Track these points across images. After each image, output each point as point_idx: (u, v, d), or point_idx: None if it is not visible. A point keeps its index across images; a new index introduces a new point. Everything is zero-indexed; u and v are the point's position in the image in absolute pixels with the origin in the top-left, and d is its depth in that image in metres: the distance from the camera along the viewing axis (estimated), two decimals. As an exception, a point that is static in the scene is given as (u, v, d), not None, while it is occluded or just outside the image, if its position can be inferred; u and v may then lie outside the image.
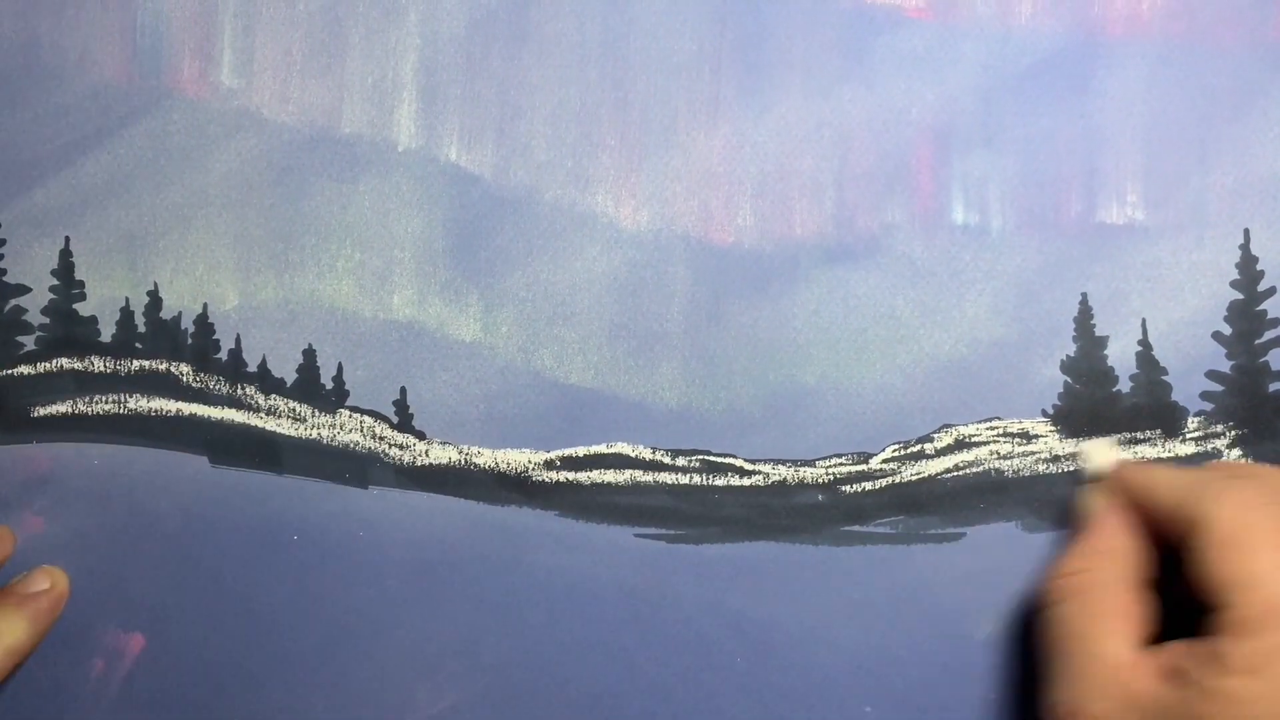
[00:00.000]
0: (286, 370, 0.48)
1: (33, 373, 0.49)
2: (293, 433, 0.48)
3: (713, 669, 0.48)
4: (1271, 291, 0.47)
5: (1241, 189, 0.47)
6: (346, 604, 0.48)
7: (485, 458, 0.48)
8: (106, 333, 0.49)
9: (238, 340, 0.48)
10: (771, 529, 0.48)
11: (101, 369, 0.49)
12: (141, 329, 0.49)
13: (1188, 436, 0.47)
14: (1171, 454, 0.47)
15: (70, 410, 0.49)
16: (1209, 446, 0.47)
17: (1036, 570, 0.47)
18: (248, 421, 0.48)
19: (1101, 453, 0.45)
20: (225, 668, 0.48)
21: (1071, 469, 0.47)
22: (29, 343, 0.49)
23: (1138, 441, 0.47)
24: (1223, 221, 0.47)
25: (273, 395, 0.48)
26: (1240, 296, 0.47)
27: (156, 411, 0.49)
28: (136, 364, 0.49)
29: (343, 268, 0.48)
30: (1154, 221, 0.47)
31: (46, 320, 0.49)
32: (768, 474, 0.48)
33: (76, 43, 0.48)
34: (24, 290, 0.49)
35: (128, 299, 0.49)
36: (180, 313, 0.49)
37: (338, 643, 0.48)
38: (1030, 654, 0.45)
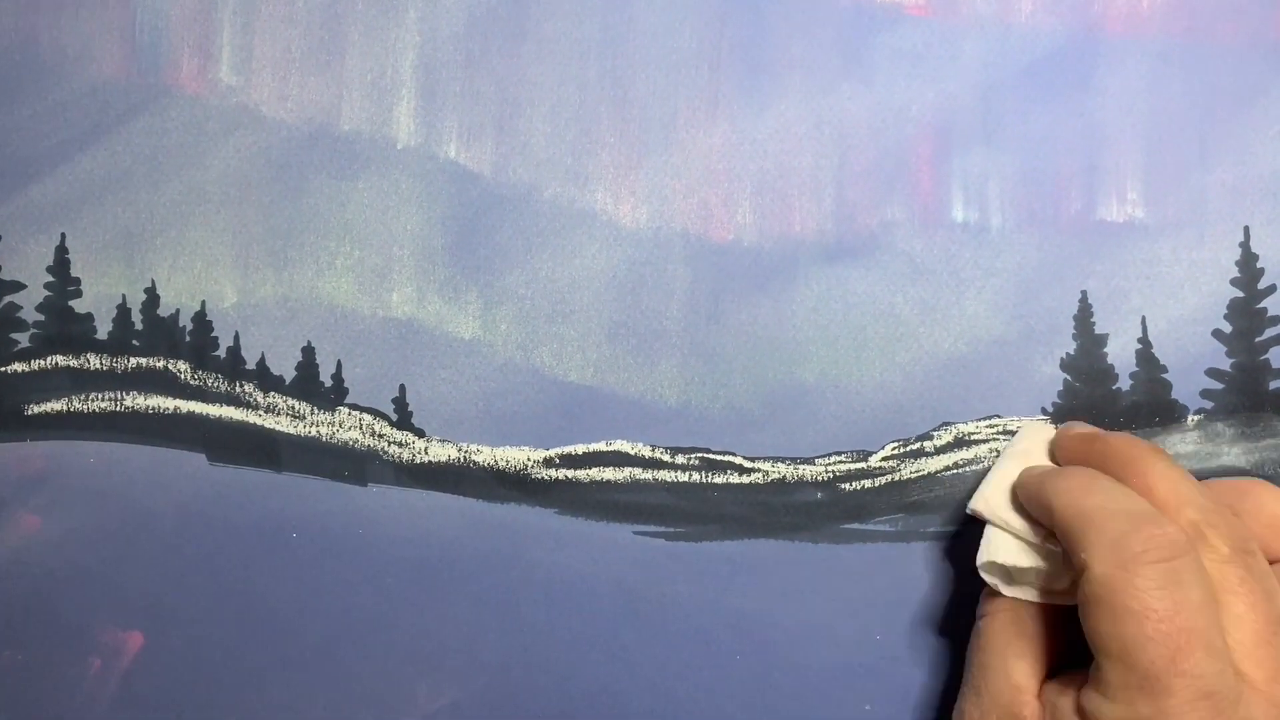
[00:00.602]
0: (285, 368, 0.49)
1: (28, 370, 0.49)
2: (291, 430, 0.48)
3: (712, 666, 0.48)
4: (1272, 289, 0.47)
5: (1242, 187, 0.47)
6: (345, 602, 0.48)
7: (484, 455, 0.48)
8: (103, 330, 0.49)
9: (236, 338, 0.49)
10: (771, 527, 0.48)
11: (98, 366, 0.49)
12: (139, 326, 0.49)
13: (1189, 434, 0.48)
14: (1174, 453, 0.47)
15: (66, 408, 0.49)
16: (1209, 446, 0.47)
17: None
18: (246, 419, 0.48)
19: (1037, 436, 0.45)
20: (224, 666, 0.48)
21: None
22: (24, 340, 0.49)
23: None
24: (1223, 219, 0.47)
25: (271, 393, 0.48)
26: (1240, 294, 0.47)
27: (154, 409, 0.49)
28: (133, 361, 0.49)
29: (342, 265, 0.48)
30: (1154, 219, 0.48)
31: (42, 317, 0.49)
32: (767, 472, 0.48)
33: (75, 40, 0.49)
34: (19, 287, 0.49)
35: (125, 296, 0.49)
36: (178, 310, 0.49)
37: (337, 641, 0.48)
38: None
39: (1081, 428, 0.44)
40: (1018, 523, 0.42)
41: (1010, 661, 0.40)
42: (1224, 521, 0.37)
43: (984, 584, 0.43)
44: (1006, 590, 0.42)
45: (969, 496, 0.45)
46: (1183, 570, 0.34)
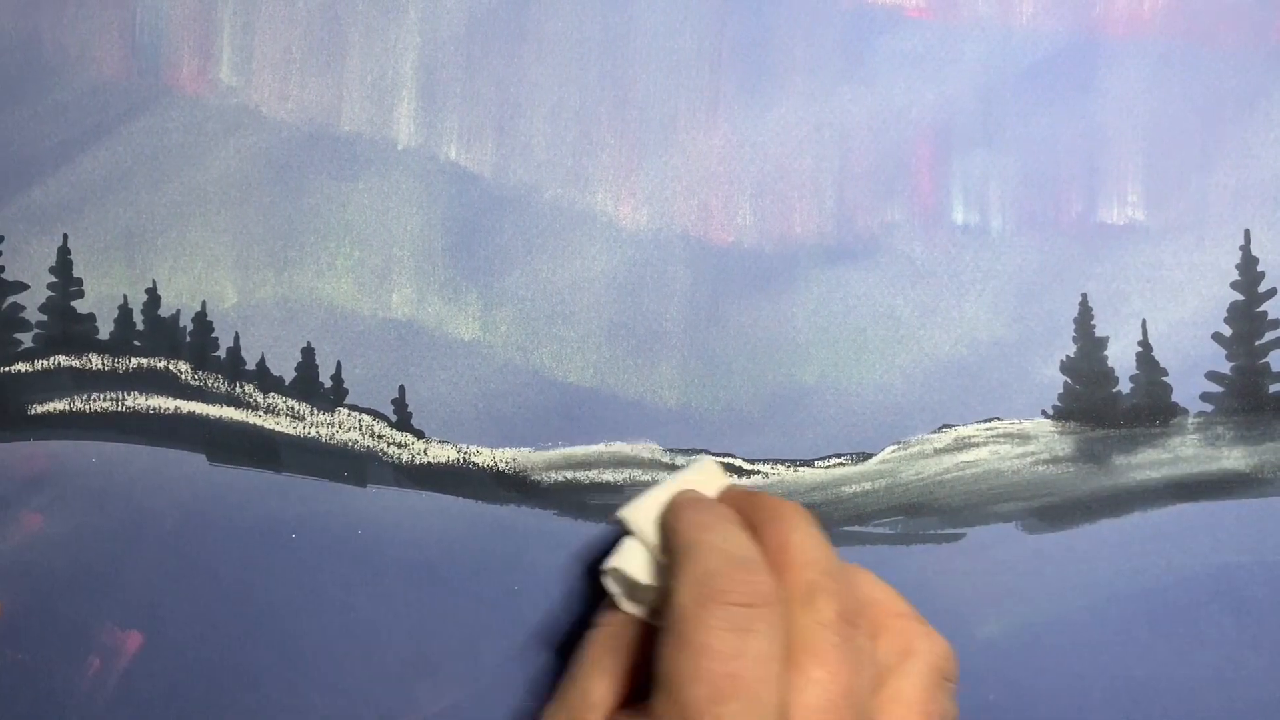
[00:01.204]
0: (285, 368, 0.49)
1: (30, 370, 0.49)
2: (291, 431, 0.49)
3: (711, 669, 0.48)
4: (1272, 293, 0.47)
5: (1243, 190, 0.48)
6: (345, 603, 0.49)
7: (484, 456, 0.49)
8: (105, 330, 0.49)
9: (236, 338, 0.49)
10: (770, 529, 0.48)
11: (100, 367, 0.49)
12: (140, 327, 0.49)
13: (1188, 437, 0.48)
14: (1174, 455, 0.48)
15: (68, 408, 0.49)
16: (1209, 449, 0.48)
17: (1036, 572, 0.48)
18: (246, 420, 0.49)
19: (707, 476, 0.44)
20: (223, 666, 0.49)
21: (1071, 470, 0.48)
22: (27, 340, 0.49)
23: (1138, 443, 0.48)
24: (1223, 222, 0.48)
25: (271, 393, 0.49)
26: (1241, 298, 0.47)
27: (155, 409, 0.49)
28: (135, 362, 0.49)
29: (342, 266, 0.49)
30: (1155, 222, 0.48)
31: (44, 318, 0.49)
32: (766, 474, 0.48)
33: (76, 40, 0.49)
34: (22, 287, 0.49)
35: (126, 296, 0.49)
36: (179, 310, 0.49)
37: (336, 642, 0.49)
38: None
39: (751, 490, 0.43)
40: (654, 539, 0.42)
41: (595, 677, 0.39)
42: (841, 590, 0.37)
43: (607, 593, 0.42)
44: (624, 604, 0.42)
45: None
46: (757, 619, 0.33)
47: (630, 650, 0.40)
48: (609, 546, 0.43)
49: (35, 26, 0.49)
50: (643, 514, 0.42)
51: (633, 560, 0.42)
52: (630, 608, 0.41)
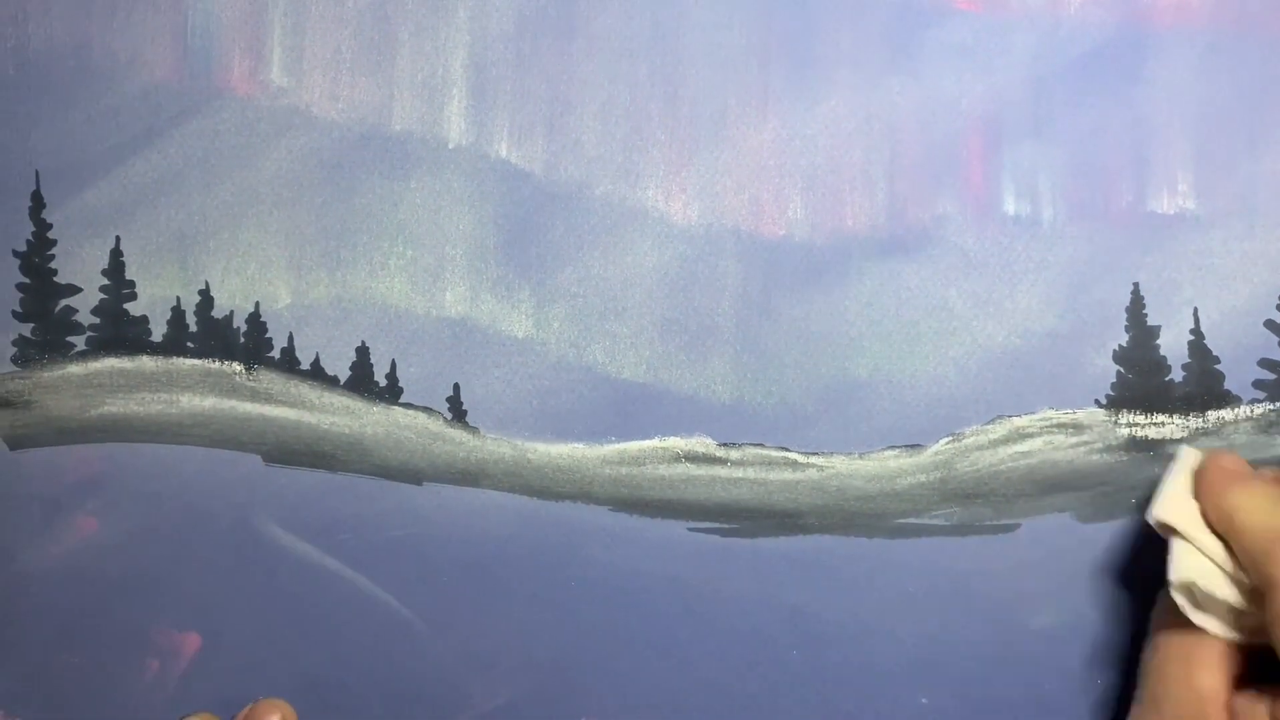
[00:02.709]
0: (340, 368, 0.50)
1: (84, 372, 0.50)
2: (347, 430, 0.50)
3: (768, 662, 0.49)
4: (1324, 279, 0.48)
5: (1292, 177, 0.49)
6: (401, 601, 0.50)
7: (538, 453, 0.50)
8: (158, 332, 0.50)
9: (290, 338, 0.50)
10: (826, 523, 0.49)
11: (153, 369, 0.50)
12: (193, 328, 0.50)
13: (1241, 425, 0.49)
14: (1227, 443, 0.49)
15: (122, 410, 0.50)
16: (1263, 437, 0.49)
17: (1090, 561, 0.49)
18: (301, 420, 0.50)
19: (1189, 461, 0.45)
20: (279, 666, 0.50)
21: (1125, 459, 0.49)
22: (79, 343, 0.50)
23: (1191, 432, 0.49)
24: (1273, 209, 0.49)
25: (326, 393, 0.50)
26: (1293, 284, 0.48)
27: (209, 411, 0.50)
28: (188, 363, 0.50)
29: (395, 265, 0.50)
30: (1205, 210, 0.49)
31: (97, 320, 0.50)
32: (821, 467, 0.49)
33: (127, 44, 0.50)
34: (75, 290, 0.50)
35: (179, 298, 0.50)
36: (232, 311, 0.50)
37: (392, 640, 0.50)
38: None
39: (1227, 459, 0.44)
40: (1212, 544, 0.42)
41: (1195, 670, 0.40)
42: None
43: (1157, 592, 0.43)
44: (1195, 617, 0.42)
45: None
46: None
47: (1217, 640, 0.40)
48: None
49: (86, 32, 0.50)
50: (1185, 514, 0.43)
51: (1199, 572, 0.42)
52: (1204, 622, 0.42)
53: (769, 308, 0.50)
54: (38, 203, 0.50)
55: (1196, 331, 0.49)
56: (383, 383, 0.50)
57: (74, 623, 0.50)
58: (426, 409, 0.50)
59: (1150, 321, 0.49)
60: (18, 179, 0.50)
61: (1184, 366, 0.49)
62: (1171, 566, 0.43)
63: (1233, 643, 0.41)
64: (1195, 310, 0.49)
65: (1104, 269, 0.49)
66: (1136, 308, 0.49)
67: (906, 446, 0.50)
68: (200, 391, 0.51)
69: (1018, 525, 0.49)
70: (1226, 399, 0.49)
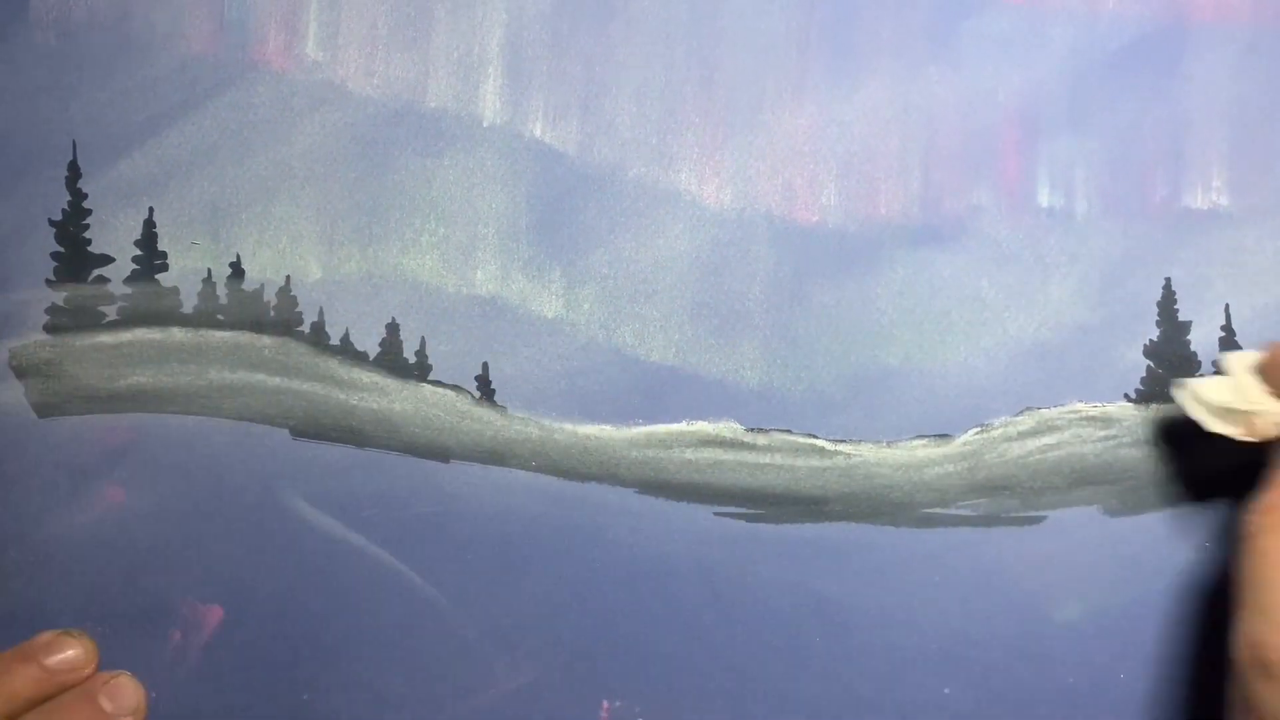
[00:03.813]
0: (369, 344, 0.51)
1: (114, 342, 0.51)
2: (375, 406, 0.51)
3: (791, 648, 0.50)
4: (1358, 278, 0.49)
5: (1328, 176, 0.50)
6: (426, 578, 0.50)
7: (566, 434, 0.50)
8: (189, 304, 0.51)
9: (321, 313, 0.51)
10: (852, 510, 0.50)
11: (183, 340, 0.51)
12: (224, 300, 0.51)
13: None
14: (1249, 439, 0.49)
15: (151, 381, 0.51)
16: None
17: (1116, 556, 0.49)
18: (330, 394, 0.51)
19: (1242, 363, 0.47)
20: (303, 640, 0.51)
21: (1152, 453, 0.50)
22: (111, 313, 0.51)
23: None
24: (1309, 208, 0.49)
25: (355, 368, 0.51)
26: (1326, 283, 0.49)
27: (238, 383, 0.51)
28: (218, 336, 0.51)
29: (426, 242, 0.51)
30: (1239, 207, 0.50)
31: (129, 290, 0.51)
32: (849, 454, 0.50)
33: (166, 17, 0.51)
34: (108, 260, 0.51)
35: (210, 270, 0.51)
36: (263, 285, 0.51)
37: (416, 616, 0.51)
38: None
39: None
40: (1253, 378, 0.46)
41: None
42: None
43: (1238, 504, 0.46)
44: (1214, 426, 0.46)
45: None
46: None
47: None
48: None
49: (126, 4, 0.51)
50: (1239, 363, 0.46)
51: (1212, 390, 0.46)
52: (1220, 427, 0.46)
53: (800, 294, 0.51)
54: (74, 172, 0.51)
55: (1228, 328, 0.50)
56: (412, 359, 0.51)
57: (99, 591, 0.51)
58: (455, 387, 0.51)
59: (1181, 317, 0.50)
60: (55, 149, 0.51)
61: (1214, 363, 0.50)
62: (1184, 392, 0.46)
63: None
64: (1227, 307, 0.50)
65: (1137, 263, 0.50)
66: (1168, 303, 0.50)
67: (935, 436, 0.51)
68: (229, 364, 0.51)
69: (1044, 518, 0.50)
70: (1256, 396, 0.50)
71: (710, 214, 0.51)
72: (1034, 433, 0.50)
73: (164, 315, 0.52)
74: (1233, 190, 0.50)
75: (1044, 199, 0.50)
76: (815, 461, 0.51)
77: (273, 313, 0.52)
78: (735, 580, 0.51)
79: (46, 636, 0.41)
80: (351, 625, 0.51)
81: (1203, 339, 0.50)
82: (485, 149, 0.51)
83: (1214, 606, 0.50)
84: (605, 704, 0.51)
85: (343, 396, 0.51)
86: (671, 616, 0.51)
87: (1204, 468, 0.50)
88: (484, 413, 0.51)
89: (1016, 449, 0.50)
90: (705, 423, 0.51)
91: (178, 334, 0.52)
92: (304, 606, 0.51)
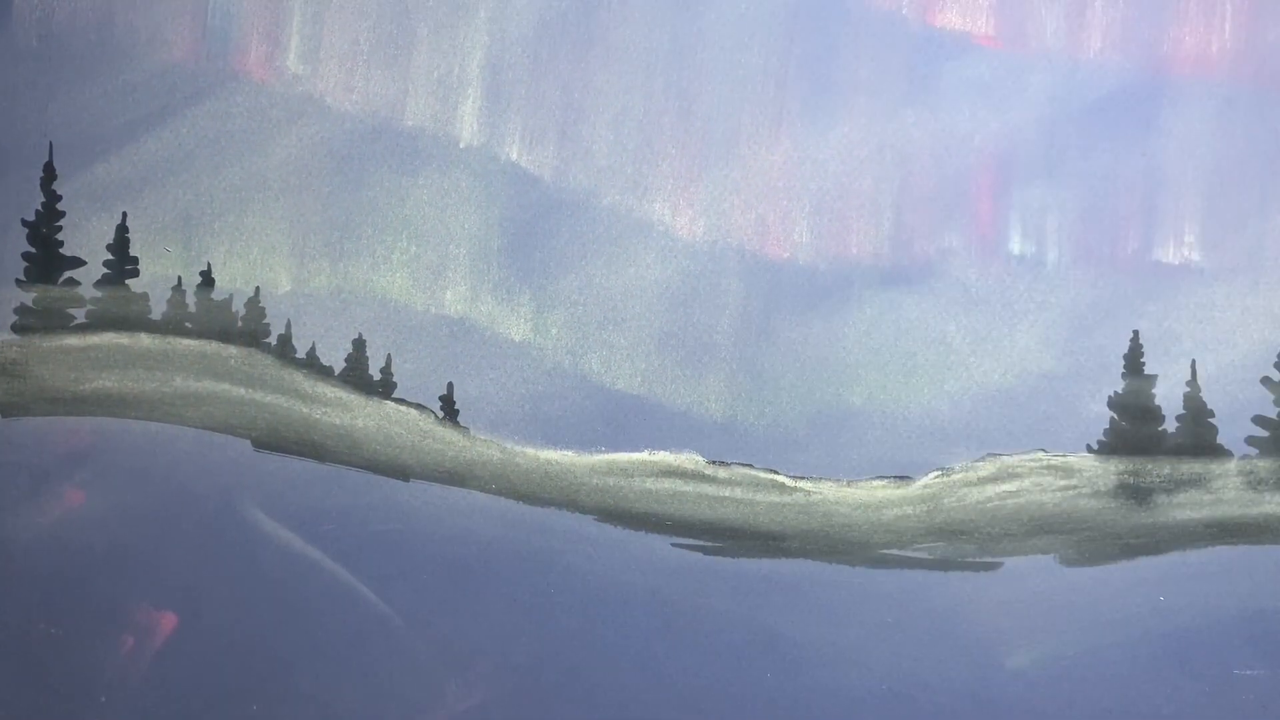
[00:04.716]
0: (335, 359, 0.51)
1: (82, 345, 0.52)
2: (337, 421, 0.51)
3: (742, 682, 0.51)
4: (1324, 340, 0.50)
5: (1300, 236, 0.50)
6: (380, 596, 0.51)
7: (527, 458, 0.51)
8: (158, 311, 0.52)
9: (288, 326, 0.52)
10: (809, 548, 0.50)
11: (150, 346, 0.52)
12: (192, 309, 0.52)
13: (1231, 480, 0.50)
14: (1216, 497, 0.50)
15: (116, 386, 0.52)
16: (1251, 493, 0.50)
17: (1070, 605, 0.50)
18: (293, 407, 0.51)
19: None
20: (255, 652, 0.52)
21: (1113, 505, 0.50)
22: (80, 316, 0.52)
23: (1180, 483, 0.50)
24: (1278, 267, 0.50)
25: (320, 383, 0.51)
26: (1292, 344, 0.50)
27: (202, 392, 0.52)
28: (185, 344, 0.52)
29: (398, 260, 0.51)
30: (1210, 263, 0.50)
31: (99, 294, 0.52)
32: (809, 492, 0.51)
33: (149, 22, 0.52)
34: (79, 263, 0.52)
35: (180, 278, 0.52)
36: (232, 295, 0.52)
37: (369, 634, 0.51)
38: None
39: None
40: None
41: None
42: None
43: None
44: None
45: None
46: None
47: None
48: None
49: (109, 8, 0.52)
50: None
51: None
52: None
53: (768, 329, 0.51)
54: (49, 174, 0.52)
55: (1193, 383, 0.51)
56: (377, 376, 0.52)
57: (54, 593, 0.52)
58: (419, 406, 0.52)
59: (1148, 370, 0.51)
60: (32, 150, 0.52)
61: (1178, 417, 0.51)
62: None
63: None
64: (1193, 362, 0.51)
65: (1105, 314, 0.51)
66: (1135, 355, 0.51)
67: (895, 477, 0.51)
68: (195, 373, 0.52)
69: (1000, 564, 0.51)
70: (1218, 452, 0.51)
71: (682, 245, 0.52)
72: (994, 479, 0.51)
73: (132, 321, 0.52)
74: (1205, 246, 0.51)
75: (1015, 246, 0.51)
76: (775, 497, 0.51)
77: (240, 323, 0.52)
78: (689, 612, 0.51)
79: None
80: (304, 639, 0.52)
81: (1167, 393, 0.51)
82: (461, 170, 0.52)
83: (1164, 660, 0.50)
84: (554, 729, 0.52)
85: (306, 410, 0.52)
86: (624, 644, 0.51)
87: (1163, 521, 0.51)
88: (446, 433, 0.52)
89: (976, 494, 0.51)
90: (667, 453, 0.52)
91: (145, 340, 0.52)
92: (257, 617, 0.52)
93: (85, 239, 0.53)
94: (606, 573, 0.52)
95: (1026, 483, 0.51)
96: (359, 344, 0.52)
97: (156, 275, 0.53)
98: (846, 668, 0.51)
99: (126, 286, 0.53)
